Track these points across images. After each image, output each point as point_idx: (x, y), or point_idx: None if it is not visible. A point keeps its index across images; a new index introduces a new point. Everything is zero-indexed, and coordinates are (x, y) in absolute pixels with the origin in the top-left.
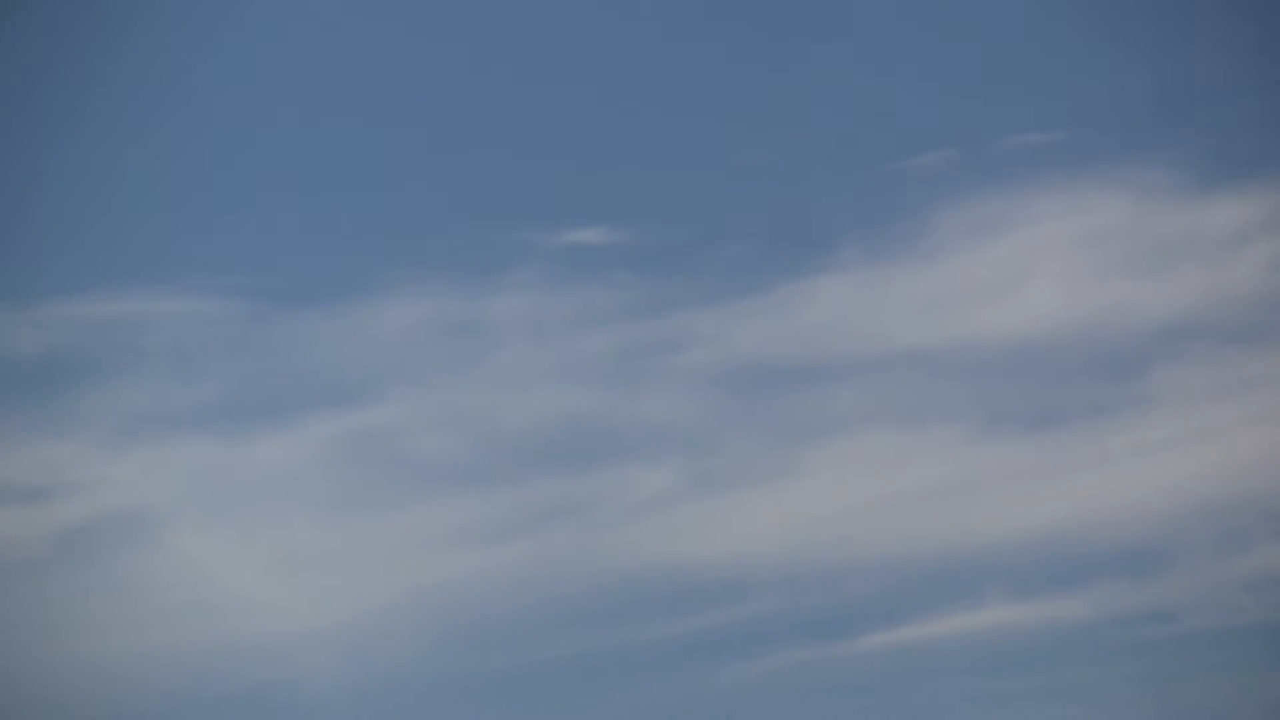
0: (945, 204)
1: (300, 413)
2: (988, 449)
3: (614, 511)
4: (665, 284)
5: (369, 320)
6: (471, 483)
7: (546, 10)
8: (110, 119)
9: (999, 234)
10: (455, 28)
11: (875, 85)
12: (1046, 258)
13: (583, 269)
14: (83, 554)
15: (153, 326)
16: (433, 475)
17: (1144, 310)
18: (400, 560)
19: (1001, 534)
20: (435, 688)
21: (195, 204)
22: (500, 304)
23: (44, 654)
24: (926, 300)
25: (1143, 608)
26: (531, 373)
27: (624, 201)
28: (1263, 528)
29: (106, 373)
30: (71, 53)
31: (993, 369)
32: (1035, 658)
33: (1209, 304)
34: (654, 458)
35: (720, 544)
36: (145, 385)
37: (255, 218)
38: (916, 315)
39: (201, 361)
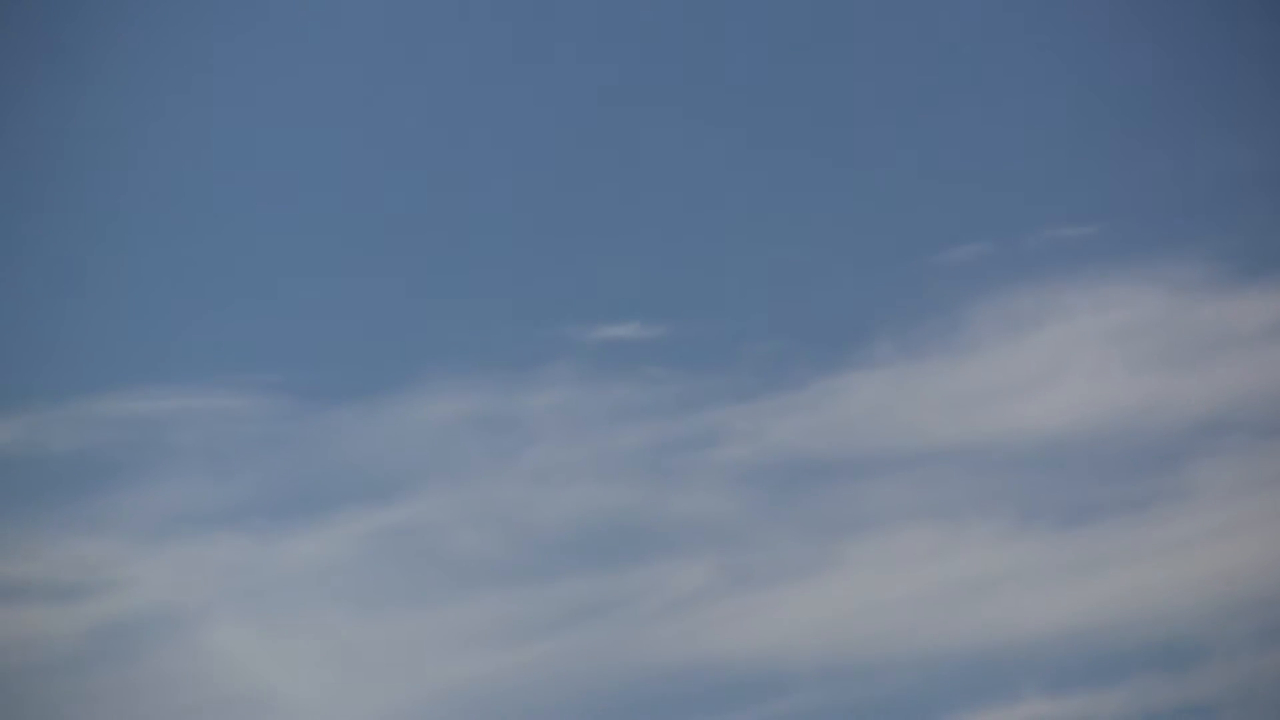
0: (979, 298)
1: (334, 509)
2: (1023, 544)
3: (649, 608)
4: (699, 379)
5: (402, 416)
6: (506, 579)
7: (581, 105)
8: (143, 213)
9: (1033, 329)
10: (490, 121)
11: (908, 178)
12: (1081, 352)
13: (617, 365)
14: (117, 652)
15: (185, 424)
16: (467, 571)
17: (1180, 404)
18: (434, 656)
19: (1038, 629)
20: None
21: (226, 300)
22: (534, 400)
23: None
24: (961, 395)
25: (1181, 703)
26: (566, 469)
27: (658, 297)
28: None
29: (139, 471)
30: (96, 156)
31: (1028, 464)
32: None
33: (1245, 398)
34: (689, 554)
35: (756, 640)
36: (178, 483)
37: (286, 313)
38: (951, 410)
39: (234, 459)
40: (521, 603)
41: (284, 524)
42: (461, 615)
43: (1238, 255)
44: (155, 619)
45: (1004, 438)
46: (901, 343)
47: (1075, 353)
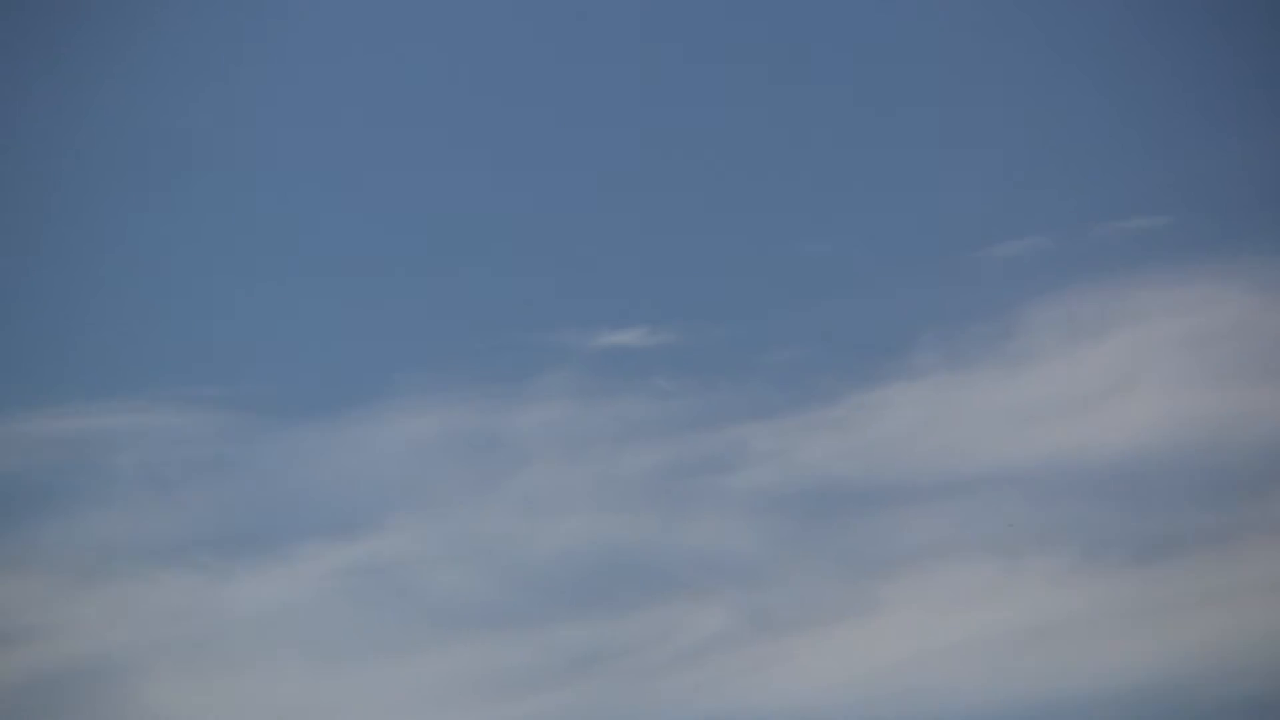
0: (1035, 300)
1: (293, 544)
2: (1088, 583)
3: (659, 657)
4: (715, 392)
5: (373, 436)
6: (492, 625)
7: (584, 99)
8: (80, 207)
9: (1098, 334)
10: (487, 114)
11: (953, 164)
12: (1153, 361)
13: (620, 375)
14: (46, 707)
15: (125, 446)
16: (447, 616)
17: (1264, 421)
18: (410, 713)
19: (1104, 681)
20: None
21: (173, 303)
22: (526, 416)
23: None
24: (1015, 411)
25: None
26: (562, 496)
27: (667, 299)
28: None
29: (73, 499)
30: (48, 161)
31: (1092, 491)
32: None
33: None
34: (705, 594)
35: (781, 694)
36: (117, 513)
37: (241, 317)
38: (1004, 429)
39: (180, 485)
40: (510, 652)
41: (236, 561)
42: (442, 665)
43: None
44: (88, 670)
45: (1066, 460)
46: (946, 351)
47: (1146, 362)
